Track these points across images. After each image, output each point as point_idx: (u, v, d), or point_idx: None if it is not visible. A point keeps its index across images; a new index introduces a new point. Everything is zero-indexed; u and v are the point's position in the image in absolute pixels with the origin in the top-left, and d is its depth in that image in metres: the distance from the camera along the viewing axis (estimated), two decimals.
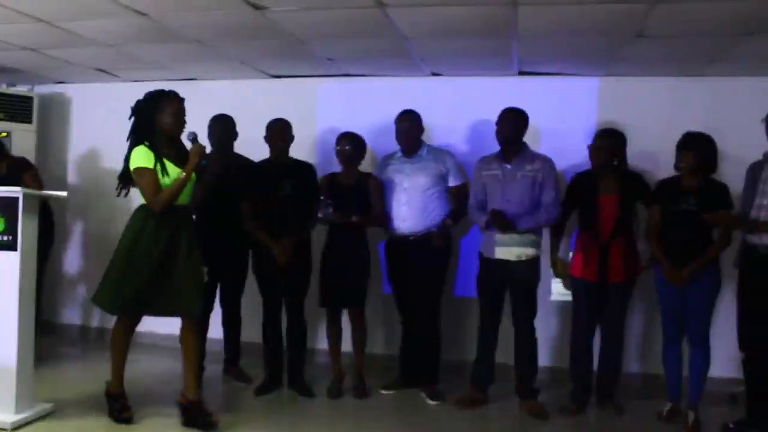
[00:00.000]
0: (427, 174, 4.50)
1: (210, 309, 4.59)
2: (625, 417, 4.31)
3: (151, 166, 3.66)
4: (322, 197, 4.43)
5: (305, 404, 4.41)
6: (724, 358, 4.52)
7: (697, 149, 4.05)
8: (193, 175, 3.74)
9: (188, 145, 3.79)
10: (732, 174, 4.21)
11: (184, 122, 3.80)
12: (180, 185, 3.68)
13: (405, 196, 4.49)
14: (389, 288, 4.90)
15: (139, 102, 3.80)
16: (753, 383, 4.00)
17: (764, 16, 3.56)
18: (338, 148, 4.59)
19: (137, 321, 3.96)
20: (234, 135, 4.73)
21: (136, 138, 3.75)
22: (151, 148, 3.69)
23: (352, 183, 4.57)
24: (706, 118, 4.59)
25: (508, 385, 4.43)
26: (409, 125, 4.52)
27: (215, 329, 4.77)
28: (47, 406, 3.88)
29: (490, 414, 4.35)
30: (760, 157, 3.96)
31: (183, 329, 3.94)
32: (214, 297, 4.65)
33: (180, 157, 3.77)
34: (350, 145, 4.57)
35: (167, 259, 3.71)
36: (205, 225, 4.42)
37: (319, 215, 4.43)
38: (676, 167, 4.15)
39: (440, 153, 4.63)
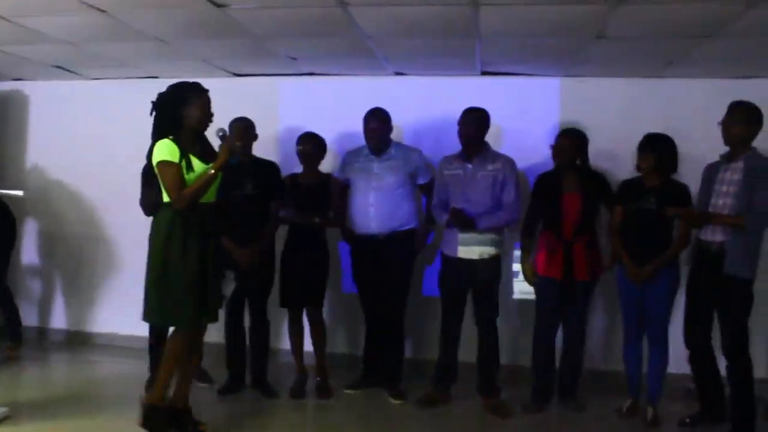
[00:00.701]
0: (396, 173, 4.48)
1: None
2: (586, 414, 4.37)
3: (176, 160, 3.45)
4: (285, 198, 4.45)
5: (268, 405, 4.38)
6: (682, 355, 4.59)
7: (658, 150, 4.12)
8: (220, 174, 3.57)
9: (213, 141, 3.67)
10: (689, 174, 4.29)
11: (212, 116, 3.67)
12: (206, 182, 3.51)
13: (373, 196, 4.46)
14: (350, 287, 4.91)
15: (162, 95, 3.61)
16: (701, 378, 4.10)
17: (720, 20, 3.63)
18: (299, 148, 4.59)
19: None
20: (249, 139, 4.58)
21: (159, 133, 3.54)
22: (175, 142, 3.48)
23: (313, 183, 4.58)
24: (664, 119, 4.67)
25: (470, 383, 4.45)
26: (380, 124, 4.48)
27: None
28: (2, 410, 3.80)
29: (452, 412, 4.36)
30: (716, 157, 4.04)
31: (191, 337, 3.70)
32: None
33: (205, 153, 3.60)
34: (311, 145, 4.58)
35: (202, 264, 3.54)
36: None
37: (281, 214, 4.43)
38: (638, 168, 4.21)
39: (410, 151, 4.61)
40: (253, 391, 4.52)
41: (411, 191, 4.54)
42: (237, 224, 4.35)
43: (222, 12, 3.73)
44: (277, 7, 3.68)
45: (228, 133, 3.70)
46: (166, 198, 3.52)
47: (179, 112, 3.54)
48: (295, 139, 4.74)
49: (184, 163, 3.47)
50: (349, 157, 4.68)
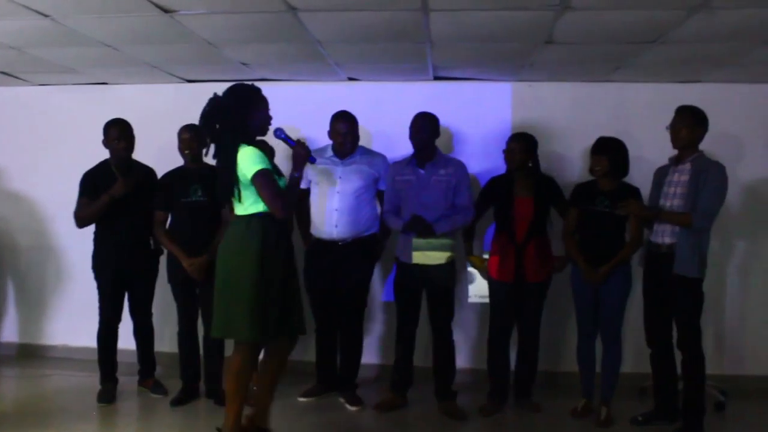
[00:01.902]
0: (360, 177, 4.44)
1: (119, 320, 4.51)
2: (542, 414, 4.41)
3: (269, 167, 3.37)
4: None
5: (223, 414, 4.31)
6: (635, 354, 4.70)
7: (611, 153, 4.19)
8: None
9: (268, 142, 3.60)
10: (639, 177, 4.37)
11: (271, 119, 3.57)
12: (296, 187, 3.47)
13: (338, 200, 4.40)
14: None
15: (227, 99, 3.43)
16: (659, 376, 4.17)
17: (663, 26, 3.71)
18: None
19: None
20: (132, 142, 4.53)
21: (232, 139, 3.37)
22: (258, 148, 3.37)
23: None
24: (613, 122, 4.78)
25: (427, 387, 4.46)
26: (349, 127, 4.42)
27: (128, 340, 4.65)
28: None
29: (409, 417, 4.37)
30: (665, 160, 4.13)
31: (273, 352, 3.60)
32: (121, 306, 4.54)
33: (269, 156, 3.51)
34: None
35: (288, 276, 3.47)
36: (110, 231, 4.37)
37: None
38: (591, 171, 4.28)
39: (374, 156, 4.58)
40: (207, 401, 4.46)
41: (373, 196, 4.52)
42: (187, 232, 4.32)
43: (170, 18, 3.68)
44: (226, 13, 3.64)
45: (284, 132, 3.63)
46: (255, 209, 3.38)
47: (245, 116, 3.42)
48: None
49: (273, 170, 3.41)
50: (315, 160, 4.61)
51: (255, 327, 3.32)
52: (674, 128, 3.96)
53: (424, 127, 4.30)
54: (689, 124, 3.91)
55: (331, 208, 4.40)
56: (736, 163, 4.66)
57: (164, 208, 4.41)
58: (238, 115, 3.40)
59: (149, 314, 4.65)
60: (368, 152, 4.59)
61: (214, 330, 3.49)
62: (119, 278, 4.45)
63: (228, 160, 3.35)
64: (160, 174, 4.56)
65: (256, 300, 3.31)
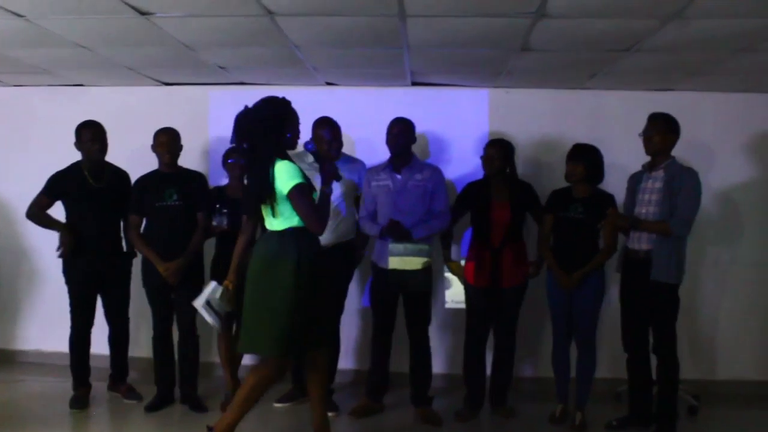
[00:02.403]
0: (342, 184, 4.34)
1: (91, 324, 4.47)
2: (517, 420, 4.43)
3: (306, 182, 3.36)
4: (218, 206, 4.39)
5: (198, 420, 4.28)
6: (610, 359, 4.72)
7: (586, 160, 4.23)
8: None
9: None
10: (614, 183, 4.42)
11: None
12: (327, 202, 3.49)
13: None
14: None
15: (263, 111, 3.42)
16: (635, 382, 4.20)
17: (636, 35, 3.76)
18: (230, 161, 4.55)
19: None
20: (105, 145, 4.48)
21: (269, 152, 3.35)
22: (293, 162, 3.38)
23: (240, 197, 4.56)
24: (588, 129, 4.83)
25: (403, 393, 4.46)
26: (333, 135, 4.38)
27: (103, 345, 4.60)
28: None
29: (385, 423, 4.36)
30: (639, 167, 4.18)
31: (310, 367, 3.58)
32: (93, 311, 4.49)
33: None
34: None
35: (321, 289, 3.46)
36: (81, 235, 4.33)
37: (214, 223, 4.38)
38: (567, 177, 4.31)
39: (354, 162, 4.58)
40: (182, 406, 4.42)
41: (353, 202, 4.51)
42: (162, 237, 4.29)
43: (146, 20, 3.65)
44: (203, 16, 3.61)
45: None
46: (289, 223, 3.37)
47: (281, 130, 3.42)
48: (225, 150, 4.68)
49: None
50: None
51: (282, 342, 3.31)
52: (647, 135, 4.01)
53: (401, 132, 4.31)
54: (661, 131, 3.96)
55: None
56: (708, 170, 4.71)
57: (139, 212, 4.36)
58: (275, 128, 3.40)
59: (126, 319, 4.61)
60: (349, 159, 4.58)
61: (241, 345, 3.46)
62: (91, 282, 4.40)
63: (264, 173, 3.33)
64: (134, 177, 4.51)
65: (288, 315, 3.29)
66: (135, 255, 4.55)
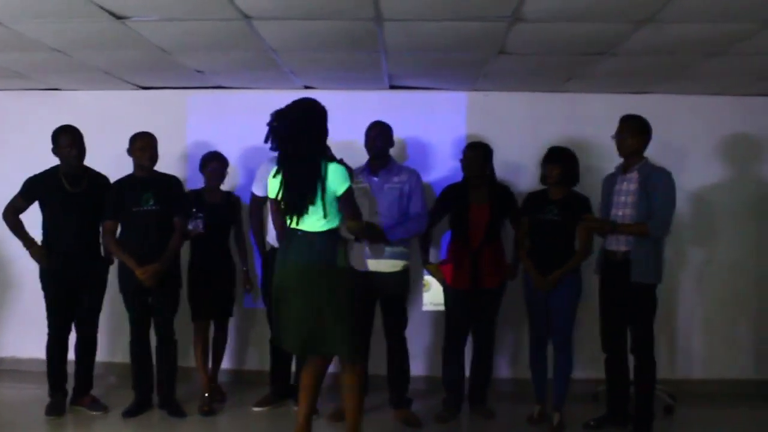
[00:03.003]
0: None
1: (68, 330, 4.42)
2: (496, 421, 4.46)
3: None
4: (194, 210, 4.39)
5: (176, 425, 4.27)
6: (588, 360, 4.77)
7: (562, 162, 4.26)
8: None
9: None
10: (590, 186, 4.46)
11: None
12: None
13: None
14: (250, 302, 4.96)
15: (312, 112, 3.48)
16: (613, 382, 4.24)
17: (611, 39, 3.80)
18: (209, 166, 4.59)
19: None
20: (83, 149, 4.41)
21: (320, 153, 3.45)
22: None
23: (218, 201, 4.62)
24: (565, 132, 4.87)
25: (382, 396, 4.47)
26: None
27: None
28: None
29: (364, 425, 4.24)
30: (613, 169, 4.22)
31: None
32: (71, 317, 4.41)
33: None
34: (219, 163, 4.63)
35: None
36: (59, 240, 4.29)
37: (189, 227, 4.36)
38: (543, 179, 4.34)
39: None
40: (160, 411, 4.39)
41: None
42: (139, 241, 4.26)
43: (122, 24, 3.63)
44: (179, 20, 3.59)
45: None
46: (334, 224, 3.45)
47: (326, 130, 3.52)
48: (203, 153, 4.72)
49: None
50: (270, 166, 4.39)
51: (359, 344, 3.52)
52: (619, 137, 4.06)
53: (379, 135, 4.33)
54: (633, 133, 4.02)
55: None
56: (682, 172, 4.77)
57: (114, 218, 4.31)
58: (321, 128, 3.48)
59: (95, 326, 4.51)
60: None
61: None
62: (66, 288, 4.34)
63: (316, 173, 3.37)
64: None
65: (354, 316, 3.47)
66: (112, 262, 4.50)
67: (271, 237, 4.49)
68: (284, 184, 3.44)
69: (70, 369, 4.46)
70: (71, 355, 4.45)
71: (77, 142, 4.31)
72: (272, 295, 3.58)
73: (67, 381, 4.43)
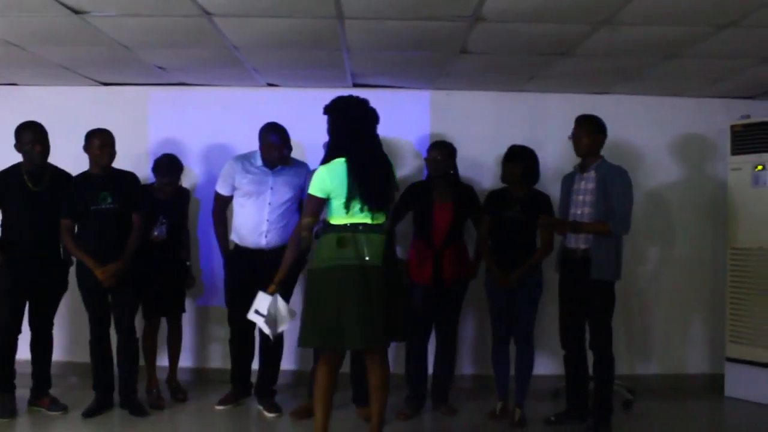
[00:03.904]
0: (291, 188, 4.40)
1: (17, 330, 4.27)
2: (458, 417, 4.49)
3: None
4: (161, 217, 4.40)
5: (138, 424, 4.21)
6: (550, 356, 4.83)
7: (522, 161, 4.30)
8: None
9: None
10: (550, 184, 4.53)
11: None
12: None
13: (268, 212, 4.36)
14: (204, 301, 4.96)
15: (365, 110, 3.58)
16: (572, 377, 4.30)
17: (570, 40, 3.86)
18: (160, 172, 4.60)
19: None
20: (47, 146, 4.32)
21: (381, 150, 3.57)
22: None
23: (168, 198, 4.60)
24: (526, 131, 4.91)
25: (346, 393, 4.47)
26: (282, 141, 4.36)
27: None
28: None
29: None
30: (572, 168, 4.29)
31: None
32: (21, 316, 4.29)
33: None
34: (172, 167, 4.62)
35: None
36: (16, 238, 4.20)
37: (155, 233, 4.36)
38: (503, 178, 4.39)
39: (301, 166, 4.56)
40: (121, 411, 4.34)
41: (298, 204, 4.48)
42: (98, 240, 4.20)
43: (81, 19, 3.59)
44: (139, 16, 3.57)
45: None
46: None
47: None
48: (165, 151, 4.73)
49: None
50: (237, 166, 4.46)
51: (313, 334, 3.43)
52: (576, 137, 4.12)
53: None
54: (589, 132, 4.08)
55: (262, 218, 4.36)
56: (639, 171, 4.88)
57: (72, 216, 4.23)
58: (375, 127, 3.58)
59: (50, 325, 4.43)
60: (296, 163, 4.57)
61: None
62: (21, 289, 4.21)
63: (390, 169, 3.53)
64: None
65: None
66: (72, 263, 4.42)
67: (236, 235, 4.48)
68: (364, 180, 3.38)
69: (24, 369, 4.37)
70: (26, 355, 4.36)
71: (41, 139, 4.22)
72: (325, 294, 3.38)
73: (15, 377, 4.29)
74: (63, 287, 4.44)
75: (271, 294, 3.52)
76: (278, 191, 4.39)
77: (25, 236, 4.20)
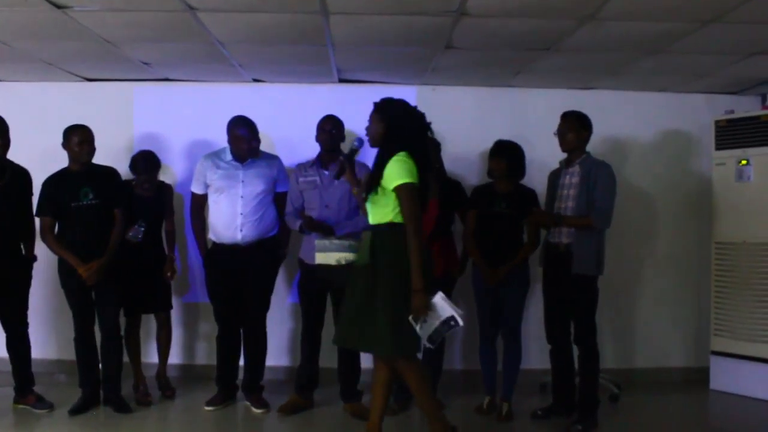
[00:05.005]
0: (263, 181, 4.39)
1: None
2: (445, 412, 4.43)
3: None
4: (141, 221, 4.38)
5: (122, 421, 4.20)
6: (536, 351, 4.85)
7: (508, 156, 4.31)
8: None
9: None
10: (535, 179, 4.54)
11: None
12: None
13: (241, 205, 4.33)
14: (192, 297, 4.94)
15: (410, 108, 3.53)
16: (558, 372, 4.33)
17: (555, 35, 3.87)
18: (140, 168, 4.56)
19: None
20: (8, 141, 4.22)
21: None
22: None
23: (149, 194, 4.57)
24: (512, 126, 4.94)
25: (333, 389, 4.48)
26: (249, 132, 4.34)
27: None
28: None
29: (315, 418, 4.37)
30: (557, 164, 4.30)
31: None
32: None
33: None
34: (150, 164, 4.59)
35: None
36: None
37: (129, 234, 4.35)
38: (489, 174, 4.39)
39: (272, 158, 4.55)
40: (105, 408, 4.32)
41: (272, 198, 4.48)
42: (80, 238, 4.17)
43: (64, 14, 3.56)
44: (122, 11, 3.55)
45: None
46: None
47: None
48: (150, 147, 4.69)
49: None
50: (207, 163, 4.47)
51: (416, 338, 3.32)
52: (561, 133, 4.14)
53: (334, 128, 4.33)
54: (574, 128, 4.10)
55: (235, 212, 4.34)
56: (624, 166, 4.90)
57: (52, 214, 4.19)
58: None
59: (24, 324, 4.34)
60: (266, 155, 4.55)
61: (384, 348, 3.38)
62: None
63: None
64: (43, 176, 4.30)
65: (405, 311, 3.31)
66: (35, 259, 4.38)
67: (213, 233, 4.46)
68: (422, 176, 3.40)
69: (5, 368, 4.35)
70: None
71: (2, 133, 4.13)
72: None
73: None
74: (26, 284, 4.35)
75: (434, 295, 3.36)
76: (250, 184, 4.36)
77: None
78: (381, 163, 3.37)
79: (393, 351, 3.36)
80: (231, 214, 4.35)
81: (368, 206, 3.45)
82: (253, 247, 4.36)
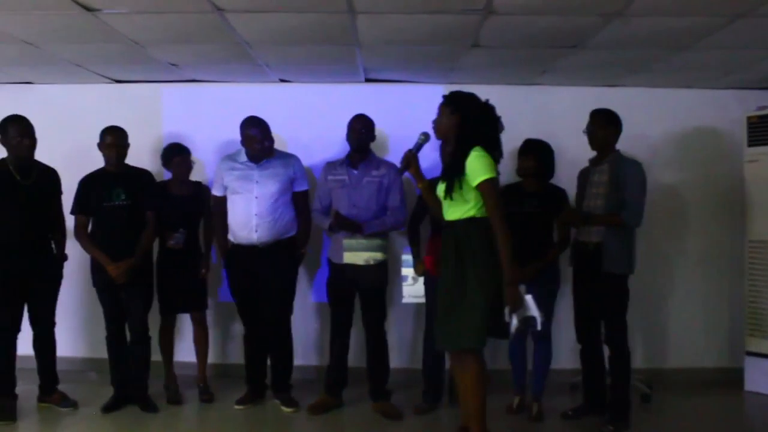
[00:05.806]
0: (277, 181, 4.37)
1: (17, 329, 4.21)
2: None
3: None
4: (181, 229, 4.41)
5: (149, 420, 4.25)
6: (567, 351, 4.81)
7: (537, 154, 4.29)
8: None
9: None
10: (564, 177, 4.50)
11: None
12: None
13: (256, 206, 4.32)
14: (226, 296, 4.89)
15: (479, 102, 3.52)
16: (588, 372, 4.28)
17: (581, 32, 3.84)
18: (173, 162, 4.57)
19: None
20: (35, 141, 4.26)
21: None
22: None
23: (185, 193, 4.58)
24: (539, 125, 4.88)
25: (362, 388, 4.48)
26: (261, 131, 4.34)
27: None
28: None
29: (344, 417, 4.38)
30: (587, 163, 4.25)
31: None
32: (19, 315, 4.22)
33: None
34: (182, 157, 4.60)
35: None
36: (3, 234, 4.13)
37: (171, 242, 4.40)
38: (518, 172, 4.36)
39: (289, 158, 4.53)
40: (132, 406, 4.37)
41: (290, 198, 4.46)
42: (110, 237, 4.23)
43: (94, 16, 3.60)
44: (151, 13, 3.58)
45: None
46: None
47: None
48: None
49: None
50: (224, 165, 4.49)
51: (483, 333, 3.29)
52: (590, 131, 4.10)
53: (364, 127, 4.34)
54: (603, 126, 4.06)
55: (251, 213, 4.33)
56: (654, 164, 4.83)
57: (85, 213, 4.27)
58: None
59: (52, 324, 4.37)
60: (282, 155, 4.53)
61: (445, 341, 3.42)
62: (14, 286, 4.13)
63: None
64: (75, 176, 4.36)
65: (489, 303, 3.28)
66: (65, 258, 4.41)
67: (231, 234, 4.47)
68: None
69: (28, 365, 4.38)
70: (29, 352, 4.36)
71: (27, 132, 4.16)
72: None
73: (15, 385, 4.23)
74: (56, 283, 4.37)
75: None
76: (264, 184, 4.34)
77: (13, 231, 4.13)
78: (460, 158, 3.32)
79: (476, 342, 3.34)
80: (246, 215, 4.34)
81: (445, 202, 3.39)
82: (270, 247, 4.34)
